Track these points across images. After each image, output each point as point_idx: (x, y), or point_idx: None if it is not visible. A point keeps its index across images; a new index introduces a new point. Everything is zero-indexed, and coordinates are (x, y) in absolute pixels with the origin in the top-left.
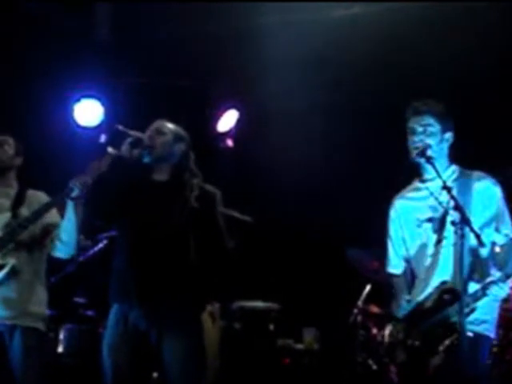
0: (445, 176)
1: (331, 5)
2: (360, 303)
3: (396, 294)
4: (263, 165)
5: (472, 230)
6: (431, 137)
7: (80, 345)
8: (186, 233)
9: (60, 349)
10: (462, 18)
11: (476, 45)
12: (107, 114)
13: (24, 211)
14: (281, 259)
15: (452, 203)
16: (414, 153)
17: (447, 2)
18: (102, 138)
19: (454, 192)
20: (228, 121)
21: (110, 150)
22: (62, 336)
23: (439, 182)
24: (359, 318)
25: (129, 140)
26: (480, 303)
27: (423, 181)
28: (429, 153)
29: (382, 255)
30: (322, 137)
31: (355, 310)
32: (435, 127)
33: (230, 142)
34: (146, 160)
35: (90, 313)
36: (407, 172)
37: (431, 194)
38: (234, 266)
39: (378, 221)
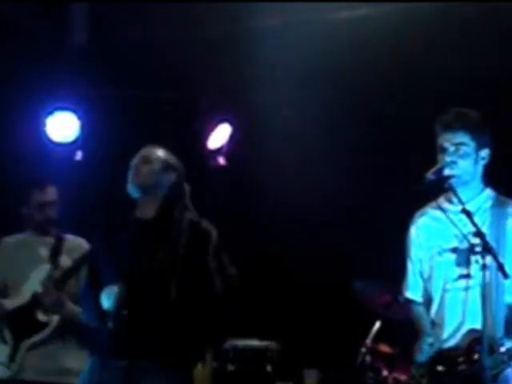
0: (478, 202)
1: (335, 6)
2: (368, 342)
3: (417, 327)
4: (259, 186)
5: (495, 258)
6: (464, 157)
7: None
8: (169, 279)
9: None
10: (481, 19)
11: (498, 48)
12: (84, 128)
13: (64, 260)
14: (279, 292)
15: (472, 228)
16: (429, 172)
17: (465, 2)
18: (78, 156)
19: (487, 222)
20: (219, 136)
21: None
22: None
23: (469, 207)
24: (368, 358)
25: (106, 296)
26: None
27: (451, 202)
28: (446, 172)
29: (392, 288)
30: (325, 154)
31: (363, 350)
32: (469, 146)
33: (221, 161)
34: (133, 194)
35: None
36: (428, 192)
37: (452, 223)
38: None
39: (388, 249)
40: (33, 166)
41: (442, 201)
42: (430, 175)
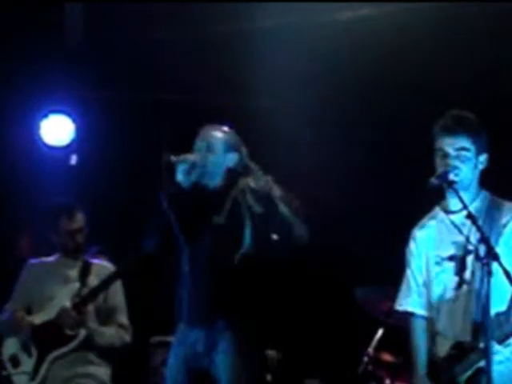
0: (473, 206)
1: (336, 6)
2: (371, 350)
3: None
4: None
5: (501, 265)
6: (465, 162)
7: None
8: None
9: None
10: (489, 20)
11: (506, 50)
12: (79, 131)
13: (92, 280)
14: (279, 299)
15: (477, 235)
16: (433, 176)
17: (468, 2)
18: (73, 160)
19: (480, 223)
20: None
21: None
22: None
23: (464, 214)
24: (370, 367)
25: (183, 168)
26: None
27: (446, 212)
28: (451, 177)
29: (395, 295)
30: (326, 159)
31: (365, 359)
32: (470, 151)
33: None
34: (201, 181)
35: None
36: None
37: (454, 226)
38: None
39: (391, 255)
40: (26, 170)
41: (437, 210)
42: (433, 180)
